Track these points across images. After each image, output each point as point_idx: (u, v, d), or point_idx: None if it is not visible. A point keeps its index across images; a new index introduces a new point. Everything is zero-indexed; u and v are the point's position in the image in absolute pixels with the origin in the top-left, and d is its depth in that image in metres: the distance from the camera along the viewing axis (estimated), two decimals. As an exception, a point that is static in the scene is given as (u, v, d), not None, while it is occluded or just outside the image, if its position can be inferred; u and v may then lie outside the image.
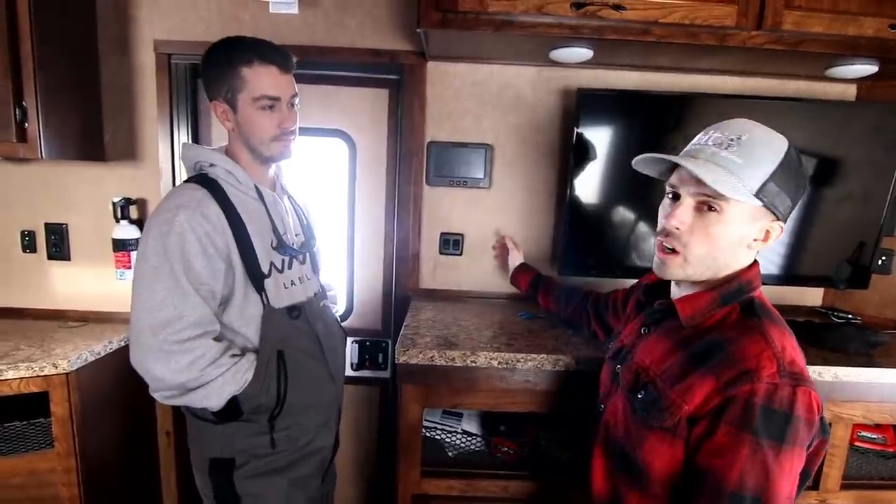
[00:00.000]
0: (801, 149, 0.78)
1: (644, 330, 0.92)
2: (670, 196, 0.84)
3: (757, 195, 0.75)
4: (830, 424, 1.29)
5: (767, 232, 0.80)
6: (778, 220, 0.79)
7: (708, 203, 0.78)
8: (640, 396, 0.84)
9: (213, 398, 1.00)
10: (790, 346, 0.75)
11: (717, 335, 0.79)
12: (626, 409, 0.87)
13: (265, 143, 1.09)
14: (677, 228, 0.80)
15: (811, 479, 0.85)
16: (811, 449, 0.76)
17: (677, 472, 0.79)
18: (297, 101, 1.12)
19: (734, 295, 0.81)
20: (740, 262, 0.82)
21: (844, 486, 1.33)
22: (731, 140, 0.77)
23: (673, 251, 0.82)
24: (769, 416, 0.70)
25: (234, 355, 1.03)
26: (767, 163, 0.75)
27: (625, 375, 0.90)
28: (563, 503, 1.27)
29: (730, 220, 0.77)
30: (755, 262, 0.84)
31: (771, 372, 0.71)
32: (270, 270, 1.09)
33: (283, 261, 1.13)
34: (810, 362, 1.23)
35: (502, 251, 1.72)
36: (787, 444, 0.70)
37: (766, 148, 0.76)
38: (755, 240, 0.80)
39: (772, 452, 0.69)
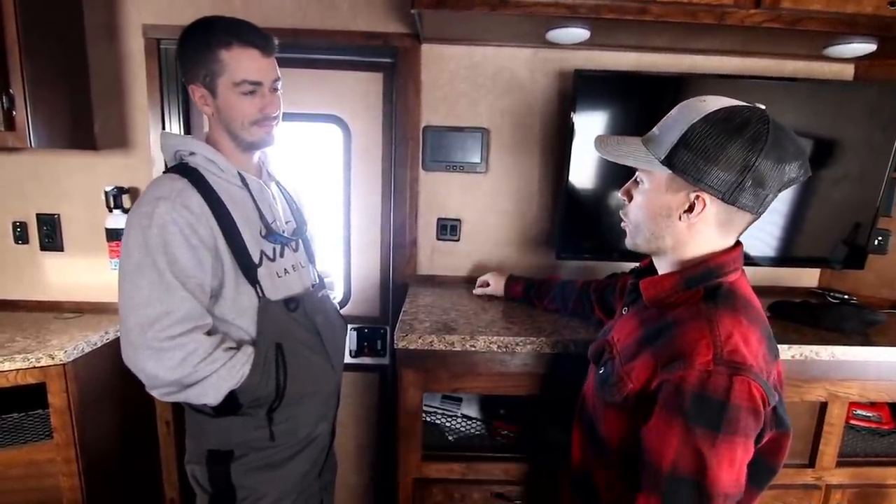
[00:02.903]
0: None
1: (625, 309, 0.93)
2: None
3: (665, 162, 0.76)
4: (827, 404, 1.30)
5: (693, 205, 0.76)
6: (703, 191, 0.74)
7: (635, 176, 0.84)
8: (601, 371, 0.86)
9: (210, 394, 0.98)
10: (739, 336, 0.70)
11: (671, 317, 0.77)
12: (595, 383, 0.89)
13: (246, 127, 1.04)
14: (623, 200, 0.87)
15: (778, 472, 0.83)
16: (766, 441, 0.76)
17: (633, 446, 0.78)
18: (279, 84, 1.06)
19: (700, 279, 0.77)
20: (679, 234, 0.79)
21: (840, 464, 1.35)
22: (665, 117, 0.80)
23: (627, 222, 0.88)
24: (703, 403, 0.68)
25: (229, 349, 1.00)
26: (677, 129, 0.75)
27: (594, 349, 0.92)
28: (561, 485, 1.28)
29: (648, 189, 0.80)
30: (736, 245, 0.80)
31: (705, 360, 0.69)
32: (262, 260, 1.06)
33: (273, 249, 1.10)
34: (807, 342, 1.25)
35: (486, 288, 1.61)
36: (724, 433, 0.68)
37: (680, 116, 0.76)
38: (684, 212, 0.76)
39: (707, 440, 0.68)
